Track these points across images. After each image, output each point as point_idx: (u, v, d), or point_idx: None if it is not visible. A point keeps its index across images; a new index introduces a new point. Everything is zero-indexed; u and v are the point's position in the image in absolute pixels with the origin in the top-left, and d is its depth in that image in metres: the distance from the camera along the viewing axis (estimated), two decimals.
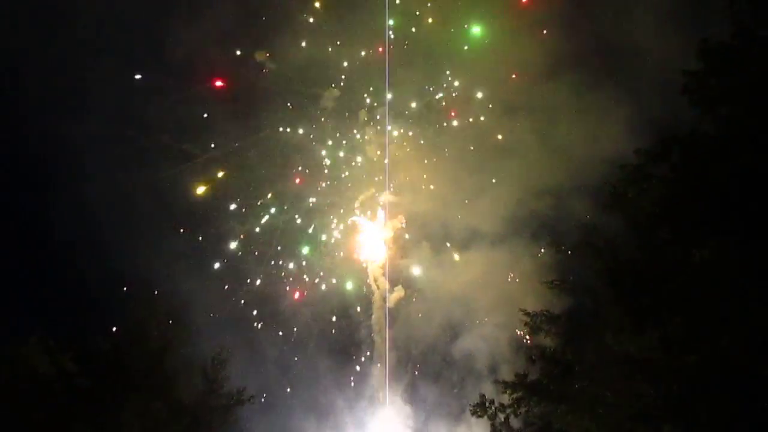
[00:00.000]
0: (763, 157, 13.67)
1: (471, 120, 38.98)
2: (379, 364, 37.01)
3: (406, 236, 38.85)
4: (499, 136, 37.77)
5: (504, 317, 33.77)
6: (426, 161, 38.81)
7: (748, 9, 13.94)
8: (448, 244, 37.99)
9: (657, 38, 29.83)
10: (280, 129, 38.56)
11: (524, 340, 28.87)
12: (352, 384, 37.08)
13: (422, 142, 39.24)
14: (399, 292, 37.60)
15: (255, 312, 37.08)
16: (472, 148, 38.03)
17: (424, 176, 38.46)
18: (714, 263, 14.54)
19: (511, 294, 33.41)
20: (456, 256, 37.62)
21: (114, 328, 23.15)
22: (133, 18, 35.12)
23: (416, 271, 38.14)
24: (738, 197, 14.22)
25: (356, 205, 38.71)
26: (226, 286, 36.60)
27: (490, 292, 35.16)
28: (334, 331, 37.88)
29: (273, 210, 38.42)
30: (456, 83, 39.39)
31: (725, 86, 14.17)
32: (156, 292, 26.64)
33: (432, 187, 38.39)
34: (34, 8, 32.68)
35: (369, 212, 38.95)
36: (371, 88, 38.94)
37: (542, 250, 32.12)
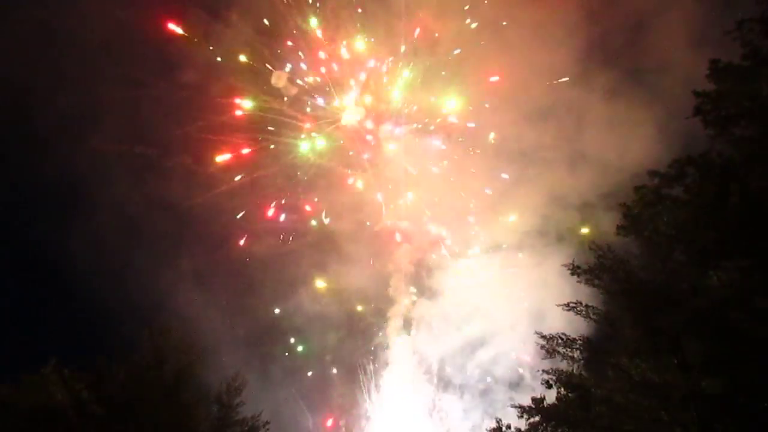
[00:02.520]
0: None
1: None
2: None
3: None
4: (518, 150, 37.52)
5: (520, 338, 33.55)
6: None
7: (757, 30, 13.87)
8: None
9: (673, 57, 29.81)
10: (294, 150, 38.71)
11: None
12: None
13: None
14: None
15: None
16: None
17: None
18: (732, 285, 14.31)
19: (529, 315, 33.21)
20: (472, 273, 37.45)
21: (129, 356, 23.12)
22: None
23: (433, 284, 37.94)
24: (754, 218, 14.03)
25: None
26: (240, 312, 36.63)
27: (507, 313, 34.94)
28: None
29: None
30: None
31: (737, 107, 14.05)
32: (170, 320, 26.63)
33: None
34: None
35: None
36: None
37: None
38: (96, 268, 31.68)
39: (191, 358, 23.55)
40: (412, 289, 38.05)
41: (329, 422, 37.80)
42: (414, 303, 37.51)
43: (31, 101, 32.70)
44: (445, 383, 36.92)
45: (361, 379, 37.36)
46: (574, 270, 21.59)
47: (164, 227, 34.74)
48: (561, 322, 21.29)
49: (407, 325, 37.11)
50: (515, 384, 34.95)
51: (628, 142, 30.64)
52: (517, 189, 36.22)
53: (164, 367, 22.94)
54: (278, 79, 37.27)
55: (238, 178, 38.10)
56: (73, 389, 20.45)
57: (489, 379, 35.71)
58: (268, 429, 24.85)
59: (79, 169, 32.47)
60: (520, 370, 35.01)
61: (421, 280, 38.09)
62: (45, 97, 33.03)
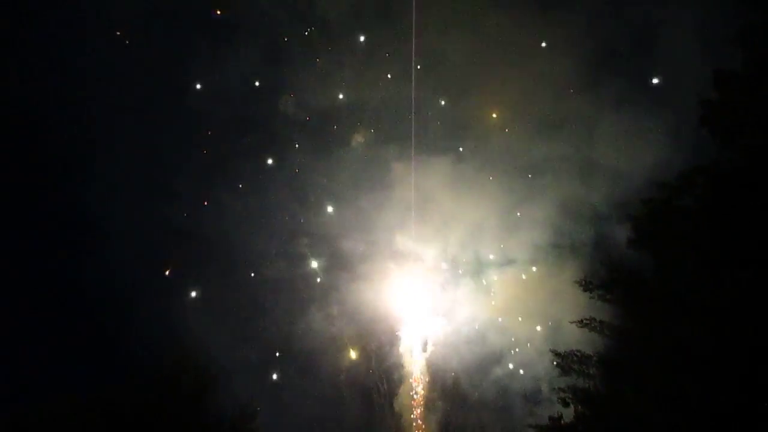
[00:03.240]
0: None
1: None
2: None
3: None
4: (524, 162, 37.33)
5: (537, 351, 33.37)
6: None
7: (759, 37, 13.83)
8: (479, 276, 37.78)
9: (678, 67, 29.83)
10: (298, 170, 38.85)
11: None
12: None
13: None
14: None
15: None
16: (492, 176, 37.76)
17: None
18: (746, 294, 14.10)
19: (544, 327, 33.04)
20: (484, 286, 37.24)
21: (143, 383, 23.06)
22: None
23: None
24: (765, 225, 13.86)
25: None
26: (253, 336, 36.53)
27: (522, 326, 34.75)
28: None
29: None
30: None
31: (742, 115, 13.97)
32: (184, 345, 26.59)
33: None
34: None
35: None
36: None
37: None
38: (107, 296, 31.84)
39: (205, 384, 23.45)
40: (426, 307, 37.87)
41: None
42: (427, 320, 37.32)
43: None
44: (461, 400, 36.56)
45: (375, 400, 37.06)
46: (587, 286, 21.48)
47: (176, 252, 34.94)
48: (576, 335, 21.10)
49: (421, 343, 36.89)
50: (534, 398, 34.53)
51: (640, 151, 30.62)
52: (528, 202, 36.15)
53: (178, 393, 22.86)
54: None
55: None
56: (86, 418, 20.41)
57: (506, 395, 35.33)
58: None
59: (92, 193, 32.79)
60: (538, 384, 34.61)
61: (434, 296, 37.94)
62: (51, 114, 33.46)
